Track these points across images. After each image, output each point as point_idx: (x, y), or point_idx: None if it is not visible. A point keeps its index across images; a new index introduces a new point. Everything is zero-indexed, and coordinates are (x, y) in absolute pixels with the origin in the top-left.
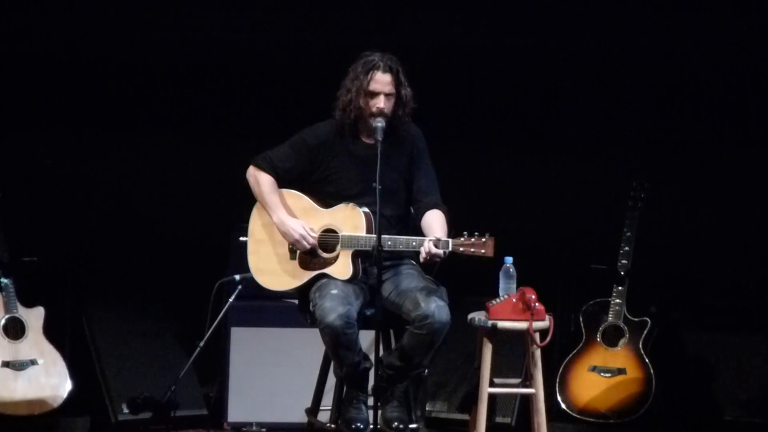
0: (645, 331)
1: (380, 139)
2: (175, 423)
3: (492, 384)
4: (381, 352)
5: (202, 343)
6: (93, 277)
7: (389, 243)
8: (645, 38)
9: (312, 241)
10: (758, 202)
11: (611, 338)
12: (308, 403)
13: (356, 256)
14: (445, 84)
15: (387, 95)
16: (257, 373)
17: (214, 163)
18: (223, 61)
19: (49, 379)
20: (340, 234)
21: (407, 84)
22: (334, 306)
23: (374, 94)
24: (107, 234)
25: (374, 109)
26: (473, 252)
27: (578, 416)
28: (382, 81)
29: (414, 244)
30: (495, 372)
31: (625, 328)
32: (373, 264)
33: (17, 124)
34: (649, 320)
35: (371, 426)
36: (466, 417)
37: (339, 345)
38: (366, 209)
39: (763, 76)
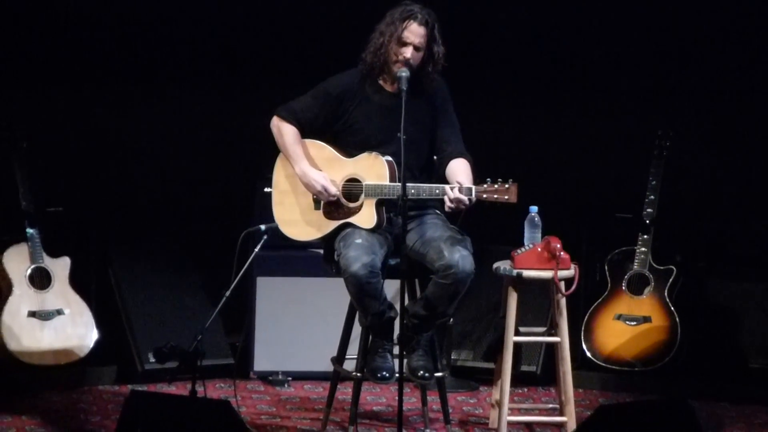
0: (670, 280)
1: (404, 88)
2: (201, 372)
3: (517, 333)
4: (406, 302)
5: (228, 293)
6: (118, 226)
7: (413, 191)
8: None
9: (334, 192)
10: None
11: (636, 286)
12: (334, 352)
13: (380, 205)
14: (469, 33)
15: (416, 47)
16: (283, 323)
17: (238, 114)
18: (247, 12)
19: (75, 329)
20: (363, 183)
21: (441, 42)
22: (358, 255)
23: (405, 44)
24: (133, 184)
25: (400, 57)
26: (496, 198)
27: (603, 364)
28: (415, 32)
29: (437, 191)
30: (520, 321)
31: (651, 276)
32: (397, 214)
33: (42, 75)
34: (674, 268)
35: (397, 374)
36: (491, 365)
37: (363, 294)
38: (389, 158)
39: None
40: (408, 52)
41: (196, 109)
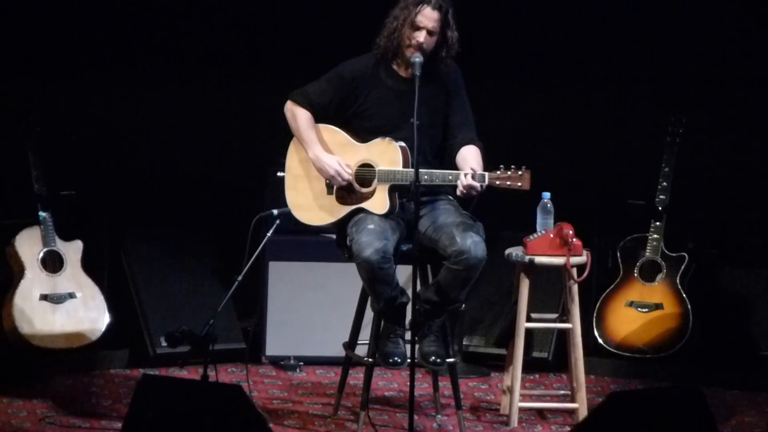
0: (682, 267)
1: (418, 74)
2: (213, 356)
3: (529, 319)
4: (418, 287)
5: (240, 278)
6: (131, 210)
7: (426, 177)
8: None
9: (347, 176)
10: None
11: (648, 273)
12: (346, 337)
13: (393, 190)
14: (481, 17)
15: (430, 32)
16: (295, 308)
17: (252, 98)
18: None
19: (87, 313)
20: (376, 168)
21: (455, 27)
22: (370, 241)
23: (418, 28)
24: (145, 168)
25: (413, 42)
26: (509, 185)
27: (615, 351)
28: (429, 16)
29: (450, 177)
30: (532, 307)
31: (663, 263)
32: (410, 199)
33: (57, 60)
34: (686, 255)
35: (408, 360)
36: (503, 351)
37: (375, 279)
38: (402, 143)
39: None
40: (421, 37)
41: (210, 93)
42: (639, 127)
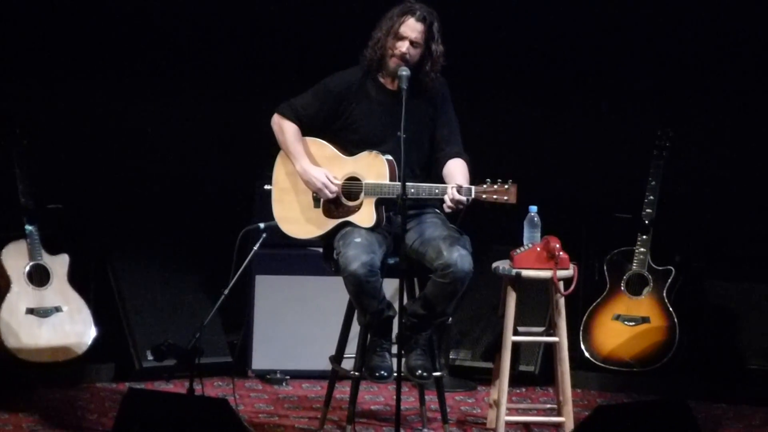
0: (669, 280)
1: (405, 87)
2: (199, 370)
3: (516, 332)
4: (405, 301)
5: (226, 291)
6: (118, 224)
7: (412, 191)
8: None
9: (334, 189)
10: None
11: (635, 287)
12: (332, 351)
13: (380, 203)
14: (470, 30)
15: (413, 43)
16: (281, 321)
17: (238, 112)
18: (247, 8)
19: (73, 326)
20: (363, 182)
21: (440, 41)
22: (357, 254)
23: (401, 38)
24: (132, 181)
25: (396, 51)
26: (496, 199)
27: (602, 364)
28: (412, 27)
29: (437, 191)
30: (519, 320)
31: (650, 276)
32: (397, 213)
33: (44, 72)
34: (673, 269)
35: (395, 374)
36: (489, 365)
37: (362, 293)
38: (389, 157)
39: None
40: (403, 47)
41: (197, 107)
42: (626, 140)
